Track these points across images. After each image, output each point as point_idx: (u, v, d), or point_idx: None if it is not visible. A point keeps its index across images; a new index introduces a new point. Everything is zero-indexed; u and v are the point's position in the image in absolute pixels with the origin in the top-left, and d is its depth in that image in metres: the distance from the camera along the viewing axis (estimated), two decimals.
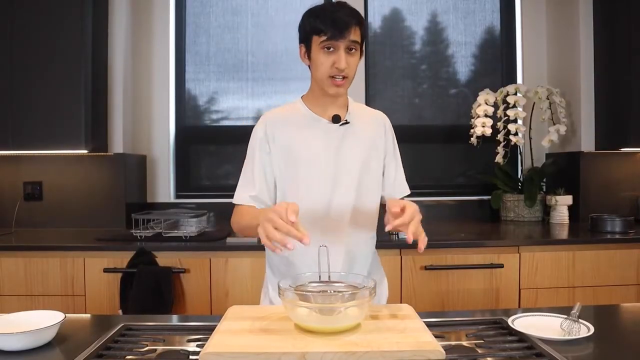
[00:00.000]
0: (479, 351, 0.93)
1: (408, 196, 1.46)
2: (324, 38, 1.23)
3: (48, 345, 0.98)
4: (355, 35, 1.24)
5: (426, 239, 1.07)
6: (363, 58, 1.35)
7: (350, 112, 1.38)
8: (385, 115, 1.47)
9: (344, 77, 1.26)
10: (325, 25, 1.22)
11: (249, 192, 1.33)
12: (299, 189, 1.32)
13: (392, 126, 1.49)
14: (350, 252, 1.33)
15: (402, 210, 1.06)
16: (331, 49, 1.24)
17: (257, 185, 1.33)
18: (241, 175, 1.38)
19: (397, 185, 1.45)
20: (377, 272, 1.48)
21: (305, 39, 1.29)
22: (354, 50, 1.26)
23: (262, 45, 2.95)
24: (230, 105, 2.96)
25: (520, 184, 2.78)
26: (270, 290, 1.43)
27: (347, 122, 1.35)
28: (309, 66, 1.34)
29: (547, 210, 2.66)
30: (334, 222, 1.31)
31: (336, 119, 1.34)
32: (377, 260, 1.50)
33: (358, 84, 2.87)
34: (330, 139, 1.33)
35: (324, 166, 1.32)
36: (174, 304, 2.03)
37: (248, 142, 1.38)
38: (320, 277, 1.03)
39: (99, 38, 2.52)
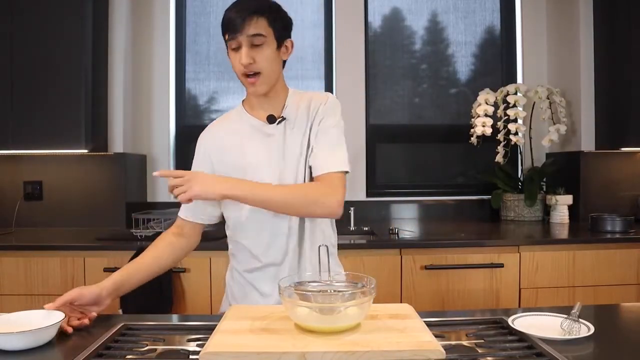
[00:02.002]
0: (479, 351, 0.93)
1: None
2: (227, 37, 1.19)
3: (48, 345, 0.98)
4: (255, 27, 1.17)
5: (182, 198, 1.13)
6: (288, 52, 1.28)
7: (288, 105, 1.30)
8: (327, 95, 1.31)
9: (255, 73, 1.20)
10: (226, 22, 1.18)
11: (185, 207, 1.37)
12: None
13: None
14: (304, 248, 1.29)
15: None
16: (237, 48, 1.19)
17: (196, 205, 1.33)
18: None
19: (322, 159, 1.23)
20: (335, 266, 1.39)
21: (224, 39, 1.24)
22: (260, 43, 1.18)
23: None
24: (230, 105, 2.96)
25: (520, 183, 2.78)
26: (229, 294, 1.40)
27: (283, 119, 1.28)
28: None
29: (547, 209, 2.66)
30: (284, 226, 1.27)
31: (271, 119, 1.28)
32: (334, 254, 1.40)
33: (358, 84, 2.88)
34: (270, 141, 1.27)
35: (265, 169, 1.26)
36: (174, 303, 2.03)
37: None
38: (320, 276, 1.03)
39: (99, 38, 2.52)
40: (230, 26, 1.18)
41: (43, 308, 1.06)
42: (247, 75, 1.21)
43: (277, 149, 1.27)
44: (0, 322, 1.02)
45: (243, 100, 1.36)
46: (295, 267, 1.29)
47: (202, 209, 1.36)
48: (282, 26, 1.23)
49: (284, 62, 1.30)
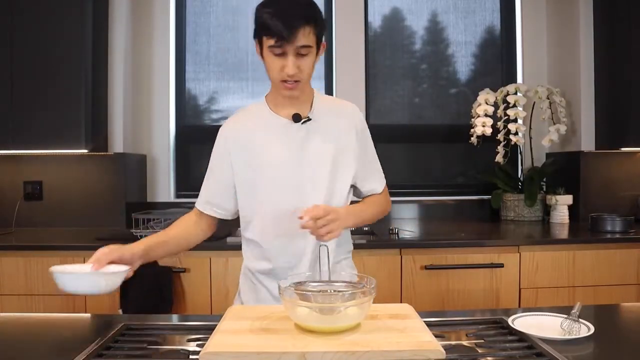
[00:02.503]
0: (479, 351, 0.93)
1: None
2: (272, 43, 1.15)
3: (49, 344, 0.98)
4: (305, 38, 1.15)
5: (329, 237, 1.14)
6: (321, 54, 1.27)
7: (315, 107, 1.31)
8: (356, 107, 1.37)
9: (296, 81, 1.20)
10: (273, 29, 1.13)
11: (201, 198, 1.37)
12: (257, 193, 1.29)
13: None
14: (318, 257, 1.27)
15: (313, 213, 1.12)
16: (280, 54, 1.17)
17: (207, 193, 1.36)
18: (204, 180, 1.40)
19: (377, 178, 1.40)
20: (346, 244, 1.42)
21: (257, 35, 1.20)
22: (306, 53, 1.18)
23: None
24: (230, 105, 2.96)
25: (520, 183, 2.78)
26: (242, 291, 1.41)
27: (308, 120, 1.28)
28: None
29: (547, 209, 2.66)
30: (299, 227, 1.26)
31: (296, 118, 1.27)
32: (349, 261, 1.43)
33: (358, 84, 2.88)
34: (292, 140, 1.27)
35: (284, 169, 1.27)
36: (174, 303, 2.03)
37: None
38: (320, 276, 1.03)
39: (99, 38, 2.52)
40: (278, 33, 1.13)
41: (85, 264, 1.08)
42: (286, 81, 1.20)
43: (297, 149, 1.27)
44: (58, 271, 1.02)
45: (266, 96, 1.34)
46: (309, 270, 1.26)
47: (221, 203, 1.35)
48: (323, 32, 1.22)
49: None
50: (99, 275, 1.00)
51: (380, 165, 1.42)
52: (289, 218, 1.24)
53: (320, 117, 1.30)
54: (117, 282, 1.03)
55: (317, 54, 1.22)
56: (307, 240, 1.26)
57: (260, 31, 1.18)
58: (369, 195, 1.41)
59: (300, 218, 1.12)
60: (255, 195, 1.30)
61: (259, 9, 1.18)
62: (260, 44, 1.21)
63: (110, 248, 1.13)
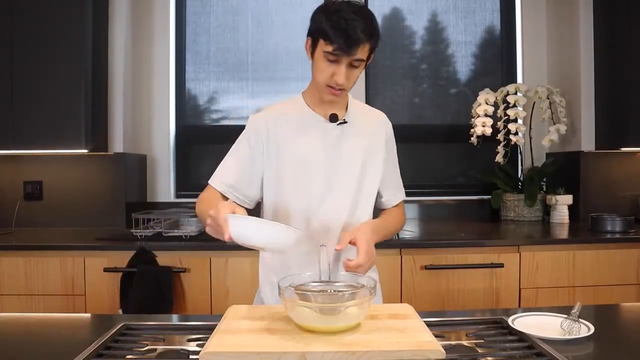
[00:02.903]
0: (479, 351, 0.93)
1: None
2: (329, 49, 1.16)
3: (49, 344, 0.97)
4: (362, 53, 1.18)
5: (363, 269, 1.14)
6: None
7: (350, 111, 1.35)
8: (386, 117, 1.44)
9: (341, 89, 1.23)
10: (336, 37, 1.14)
11: (224, 180, 1.31)
12: (284, 187, 1.30)
13: (392, 126, 1.48)
14: (341, 256, 1.28)
15: (353, 242, 1.16)
16: (334, 61, 1.19)
17: (234, 176, 1.31)
18: (224, 159, 1.35)
19: (397, 189, 1.46)
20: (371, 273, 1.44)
21: (313, 35, 1.22)
22: (358, 66, 1.21)
23: (262, 44, 2.95)
24: (230, 105, 2.96)
25: (520, 183, 2.78)
26: (261, 290, 1.40)
27: (344, 122, 1.32)
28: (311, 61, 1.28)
29: (547, 209, 2.66)
30: (324, 225, 1.28)
31: (333, 118, 1.30)
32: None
33: (358, 83, 2.83)
34: (327, 139, 1.30)
35: (315, 166, 1.29)
36: (174, 303, 2.03)
37: None
38: (320, 276, 1.03)
39: (99, 38, 2.52)
40: (339, 44, 1.15)
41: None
42: (332, 87, 1.22)
43: (331, 148, 1.30)
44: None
45: (303, 92, 1.36)
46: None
47: (245, 190, 1.32)
48: (376, 47, 1.24)
49: None
50: (289, 229, 0.96)
51: (401, 179, 1.48)
52: (311, 215, 1.27)
53: (354, 120, 1.33)
54: (294, 238, 0.99)
55: (365, 65, 1.25)
56: (327, 239, 1.26)
57: (319, 35, 1.19)
58: (386, 208, 1.46)
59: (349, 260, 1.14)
60: (282, 188, 1.30)
61: (321, 13, 1.19)
62: (314, 44, 1.22)
63: (226, 206, 1.03)
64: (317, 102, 1.32)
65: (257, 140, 1.31)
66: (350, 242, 1.17)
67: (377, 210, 1.46)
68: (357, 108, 1.39)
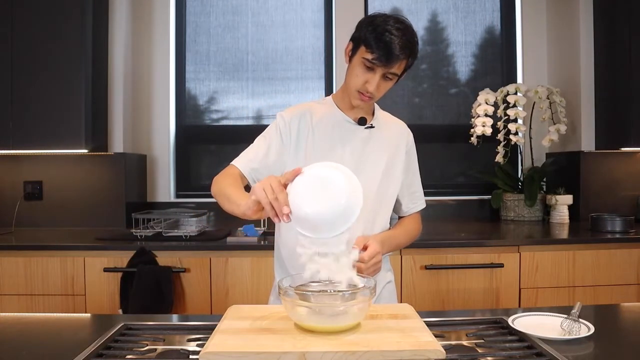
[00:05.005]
0: (479, 351, 0.93)
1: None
2: (369, 57, 1.21)
3: (49, 344, 0.97)
4: (398, 68, 1.23)
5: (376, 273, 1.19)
6: None
7: (376, 117, 1.40)
8: (407, 126, 1.47)
9: (370, 97, 1.27)
10: (377, 47, 1.19)
11: (251, 164, 1.30)
12: None
13: None
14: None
15: (365, 248, 1.18)
16: (371, 68, 1.23)
17: (259, 160, 1.31)
18: (253, 144, 1.36)
19: (416, 198, 1.47)
20: (387, 273, 1.45)
21: (355, 41, 1.27)
22: (391, 78, 1.26)
23: (262, 44, 2.95)
24: (230, 105, 2.96)
25: (520, 183, 2.78)
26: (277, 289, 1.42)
27: (372, 126, 1.36)
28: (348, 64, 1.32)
29: (547, 209, 2.66)
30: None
31: (362, 121, 1.35)
32: (387, 261, 1.46)
33: None
34: (354, 141, 1.34)
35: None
36: (174, 303, 2.03)
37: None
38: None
39: (99, 38, 2.52)
40: (378, 55, 1.20)
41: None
42: (363, 94, 1.26)
43: (357, 151, 1.33)
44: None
45: (332, 95, 1.41)
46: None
47: (266, 175, 1.30)
48: (412, 64, 1.29)
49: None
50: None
51: (421, 188, 1.48)
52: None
53: (380, 126, 1.38)
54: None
55: (397, 80, 1.29)
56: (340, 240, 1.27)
57: (361, 41, 1.23)
58: (404, 215, 1.48)
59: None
60: None
61: (369, 23, 1.24)
62: (354, 49, 1.27)
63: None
64: (347, 105, 1.36)
65: (286, 132, 1.34)
66: (363, 247, 1.20)
67: (394, 218, 1.49)
68: (383, 116, 1.44)
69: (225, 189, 1.20)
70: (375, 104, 1.43)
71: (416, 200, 1.48)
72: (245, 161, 1.31)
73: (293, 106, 1.40)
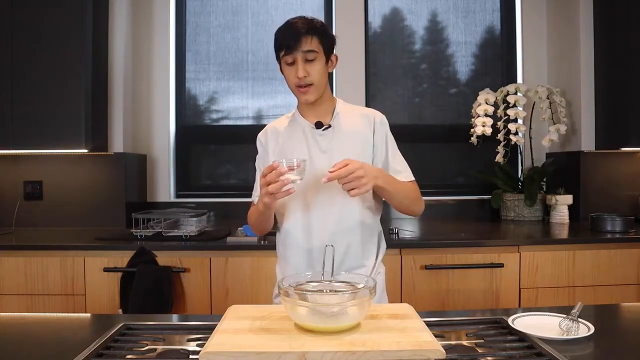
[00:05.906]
0: (479, 350, 0.93)
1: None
2: (282, 53, 1.34)
3: (49, 344, 0.97)
4: (309, 44, 1.32)
5: (358, 191, 1.20)
6: (334, 66, 1.43)
7: (338, 115, 1.43)
8: (376, 112, 1.48)
9: (307, 85, 1.34)
10: (283, 39, 1.33)
11: (255, 193, 1.47)
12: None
13: (393, 126, 1.49)
14: (345, 259, 1.36)
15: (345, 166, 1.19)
16: (292, 62, 1.34)
17: (258, 190, 1.39)
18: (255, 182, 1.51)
19: (397, 172, 1.43)
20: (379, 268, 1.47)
21: (276, 55, 1.39)
22: (313, 58, 1.33)
23: (263, 44, 2.95)
24: (230, 105, 2.96)
25: (520, 183, 2.78)
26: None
27: (329, 127, 1.41)
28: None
29: (547, 209, 2.66)
30: (322, 224, 1.37)
31: (318, 125, 1.41)
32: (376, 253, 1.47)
33: (358, 83, 2.88)
34: (319, 142, 1.40)
35: (312, 166, 1.36)
36: (174, 303, 2.03)
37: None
38: (323, 276, 1.03)
39: (99, 38, 2.52)
40: (287, 44, 1.33)
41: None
42: (300, 86, 1.35)
43: (325, 151, 1.39)
44: None
45: (297, 107, 1.49)
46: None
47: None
48: (329, 44, 1.39)
49: (330, 74, 1.46)
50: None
51: (405, 165, 1.47)
52: (317, 210, 1.36)
53: (340, 122, 1.43)
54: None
55: (327, 62, 1.38)
56: (328, 238, 1.32)
57: (276, 50, 1.37)
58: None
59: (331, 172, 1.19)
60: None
61: (275, 33, 1.38)
62: (278, 60, 1.39)
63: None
64: (305, 112, 1.45)
65: (265, 154, 1.47)
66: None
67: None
68: (347, 111, 1.46)
69: (252, 215, 1.44)
70: (340, 102, 1.47)
71: (400, 173, 1.44)
72: (255, 194, 1.47)
73: (265, 127, 1.51)
